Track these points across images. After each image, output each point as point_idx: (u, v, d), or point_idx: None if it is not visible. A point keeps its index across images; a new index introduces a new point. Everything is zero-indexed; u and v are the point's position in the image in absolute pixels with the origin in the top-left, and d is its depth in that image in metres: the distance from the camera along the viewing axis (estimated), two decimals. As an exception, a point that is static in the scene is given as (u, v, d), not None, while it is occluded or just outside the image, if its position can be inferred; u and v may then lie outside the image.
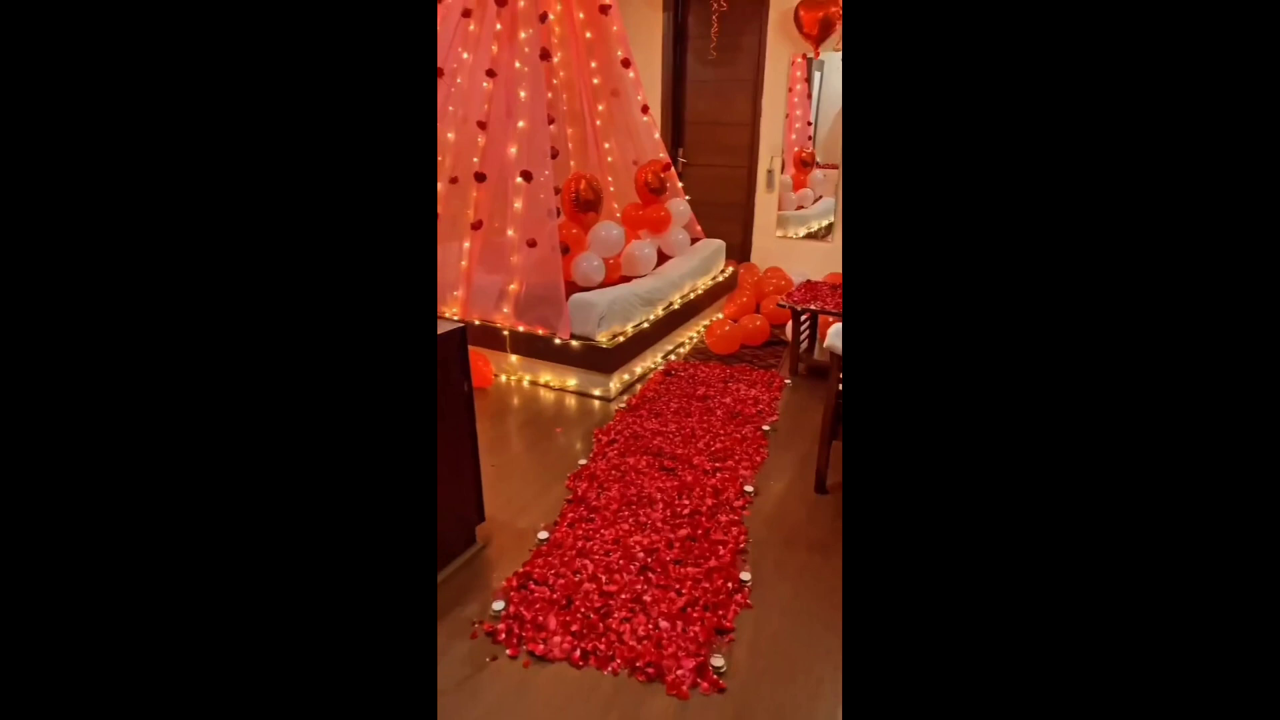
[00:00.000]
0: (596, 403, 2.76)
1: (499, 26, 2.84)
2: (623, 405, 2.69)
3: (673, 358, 3.25)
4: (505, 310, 2.90)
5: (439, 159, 3.05)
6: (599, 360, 2.74)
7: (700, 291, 3.52)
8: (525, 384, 2.93)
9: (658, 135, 3.65)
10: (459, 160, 3.00)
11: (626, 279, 3.12)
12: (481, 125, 2.87)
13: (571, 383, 2.84)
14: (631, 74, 3.45)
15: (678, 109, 4.43)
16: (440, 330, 1.60)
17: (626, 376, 2.90)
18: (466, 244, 2.97)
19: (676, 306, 3.28)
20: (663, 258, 3.44)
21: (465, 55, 2.95)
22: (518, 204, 2.84)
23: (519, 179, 2.80)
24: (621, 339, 2.81)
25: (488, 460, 2.17)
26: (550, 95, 3.08)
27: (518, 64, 2.81)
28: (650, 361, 3.11)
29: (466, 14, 2.92)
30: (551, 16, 3.12)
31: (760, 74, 3.89)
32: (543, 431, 2.49)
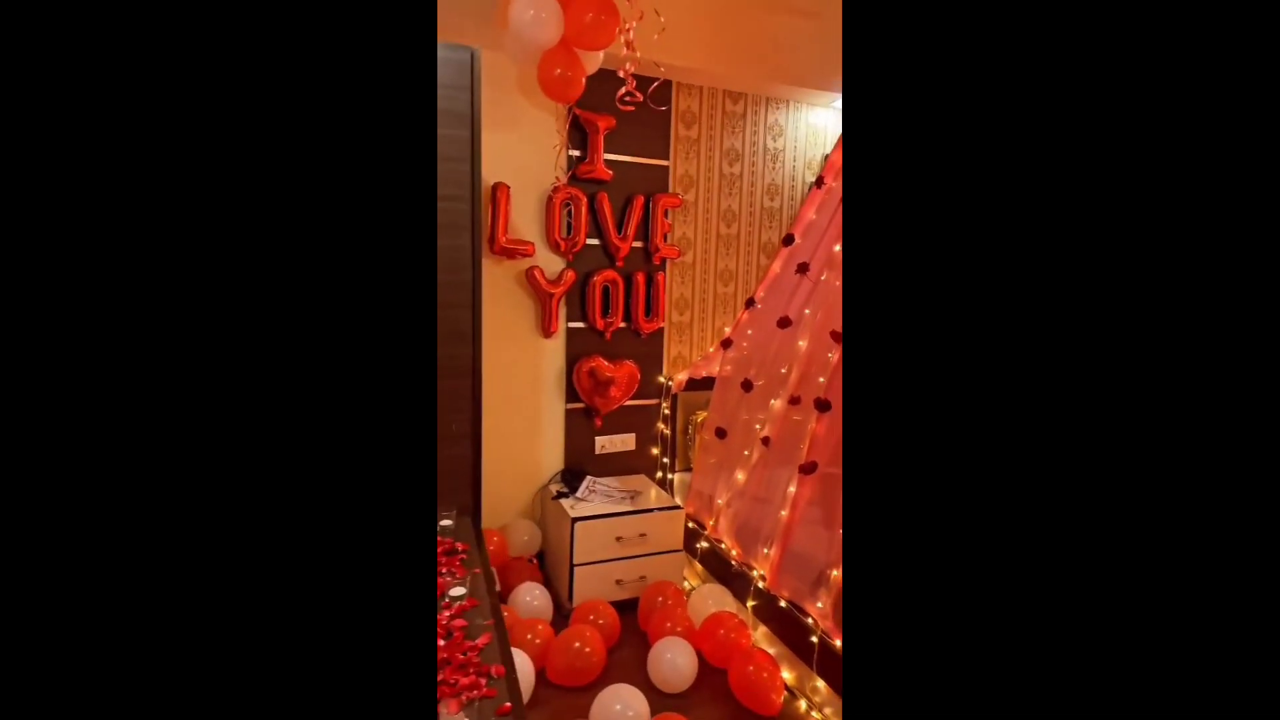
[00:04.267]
0: None
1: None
2: None
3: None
4: (820, 604, 1.93)
5: (781, 369, 2.41)
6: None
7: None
8: (830, 735, 1.84)
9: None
10: (805, 376, 2.29)
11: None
12: (836, 337, 2.11)
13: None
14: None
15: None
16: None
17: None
18: (792, 488, 2.17)
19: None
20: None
21: (838, 249, 2.29)
22: (867, 454, 1.91)
23: (874, 418, 1.89)
24: None
25: None
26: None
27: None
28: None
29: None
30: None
31: None
32: None
